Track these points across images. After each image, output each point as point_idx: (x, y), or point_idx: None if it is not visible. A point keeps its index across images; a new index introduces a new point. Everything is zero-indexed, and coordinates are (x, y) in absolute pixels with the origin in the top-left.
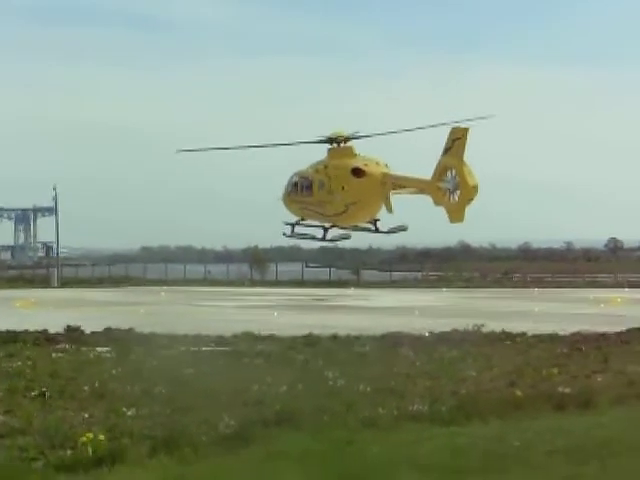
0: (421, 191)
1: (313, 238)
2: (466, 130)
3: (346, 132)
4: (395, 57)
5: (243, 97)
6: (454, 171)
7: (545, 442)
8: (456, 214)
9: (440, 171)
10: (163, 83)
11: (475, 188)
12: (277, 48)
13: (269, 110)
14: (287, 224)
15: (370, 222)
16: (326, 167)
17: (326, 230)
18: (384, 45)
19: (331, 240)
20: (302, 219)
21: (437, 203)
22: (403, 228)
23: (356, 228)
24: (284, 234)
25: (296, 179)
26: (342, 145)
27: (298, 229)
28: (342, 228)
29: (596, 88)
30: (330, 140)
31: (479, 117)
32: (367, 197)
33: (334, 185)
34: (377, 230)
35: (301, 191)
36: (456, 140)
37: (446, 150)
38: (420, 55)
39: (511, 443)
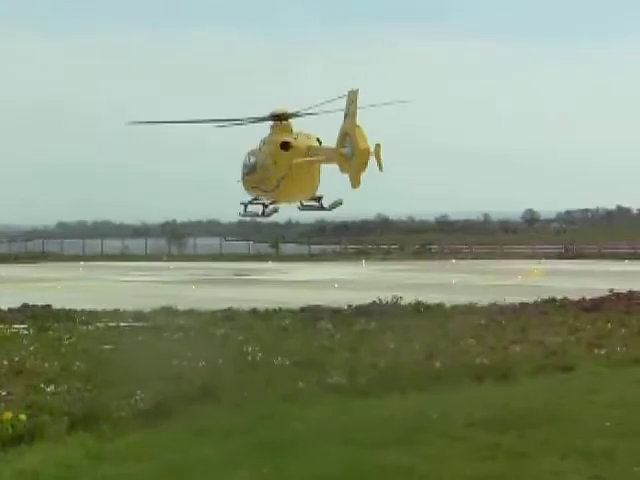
0: (329, 160)
1: (258, 215)
2: (356, 92)
3: (289, 110)
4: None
5: (169, 69)
6: (349, 136)
7: (464, 414)
8: (353, 180)
9: (341, 137)
10: (74, 52)
11: (366, 151)
12: (210, 19)
13: (201, 83)
14: (241, 203)
15: (313, 199)
16: (264, 144)
17: (265, 206)
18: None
19: (264, 215)
20: (255, 198)
21: (342, 171)
22: (340, 202)
23: (304, 207)
24: (239, 213)
25: (245, 158)
26: (283, 122)
27: (250, 208)
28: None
29: (515, 61)
30: (273, 117)
31: (401, 100)
32: (294, 170)
33: (268, 161)
34: (322, 207)
35: (250, 170)
36: (351, 104)
37: (345, 115)
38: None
39: (430, 415)
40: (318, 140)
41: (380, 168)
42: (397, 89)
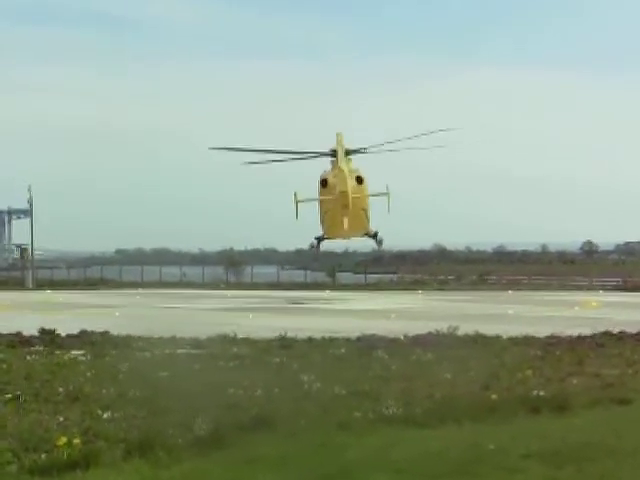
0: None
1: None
2: (340, 135)
3: (349, 146)
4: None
5: (228, 99)
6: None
7: (520, 446)
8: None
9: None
10: (139, 85)
11: (344, 194)
12: (261, 51)
13: (253, 112)
14: (315, 238)
15: (367, 235)
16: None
17: (319, 240)
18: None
19: (312, 248)
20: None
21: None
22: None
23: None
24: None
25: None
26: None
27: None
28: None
29: (579, 89)
30: (332, 153)
31: (448, 128)
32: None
33: (319, 195)
34: (377, 243)
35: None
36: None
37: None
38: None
39: (486, 447)
40: (359, 178)
41: (388, 210)
42: (454, 117)
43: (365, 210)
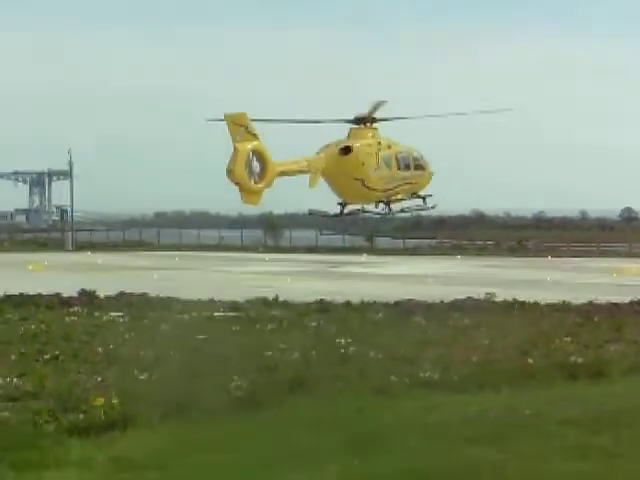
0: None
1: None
2: (234, 115)
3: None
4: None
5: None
6: None
7: (557, 412)
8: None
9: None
10: (186, 51)
11: (228, 172)
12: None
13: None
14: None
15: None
16: None
17: (342, 205)
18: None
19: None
20: None
21: None
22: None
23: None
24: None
25: None
26: (366, 126)
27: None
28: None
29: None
30: (357, 120)
31: (499, 109)
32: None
33: None
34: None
35: None
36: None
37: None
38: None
39: (523, 412)
40: (346, 148)
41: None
42: (503, 84)
43: (361, 179)
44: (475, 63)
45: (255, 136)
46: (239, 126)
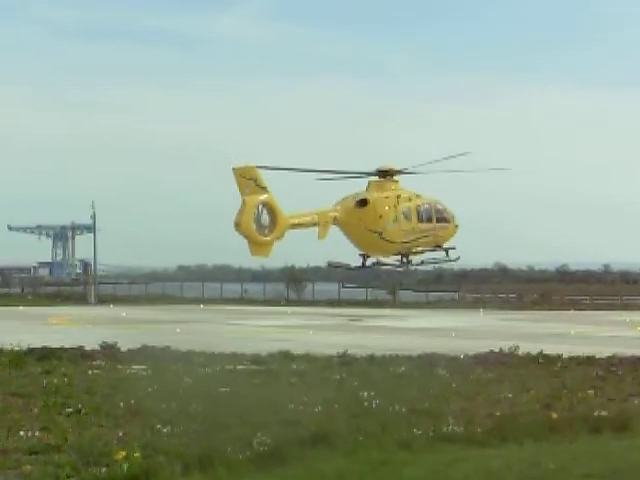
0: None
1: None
2: (242, 169)
3: (395, 167)
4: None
5: (292, 117)
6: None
7: (581, 465)
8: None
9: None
10: (206, 102)
11: (235, 225)
12: (325, 69)
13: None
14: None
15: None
16: None
17: (364, 257)
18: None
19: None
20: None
21: None
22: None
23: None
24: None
25: None
26: (386, 179)
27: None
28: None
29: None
30: (379, 173)
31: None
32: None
33: None
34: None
35: None
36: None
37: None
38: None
39: (547, 466)
40: (362, 201)
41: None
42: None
43: (378, 232)
44: (497, 114)
45: (265, 189)
46: (247, 179)
